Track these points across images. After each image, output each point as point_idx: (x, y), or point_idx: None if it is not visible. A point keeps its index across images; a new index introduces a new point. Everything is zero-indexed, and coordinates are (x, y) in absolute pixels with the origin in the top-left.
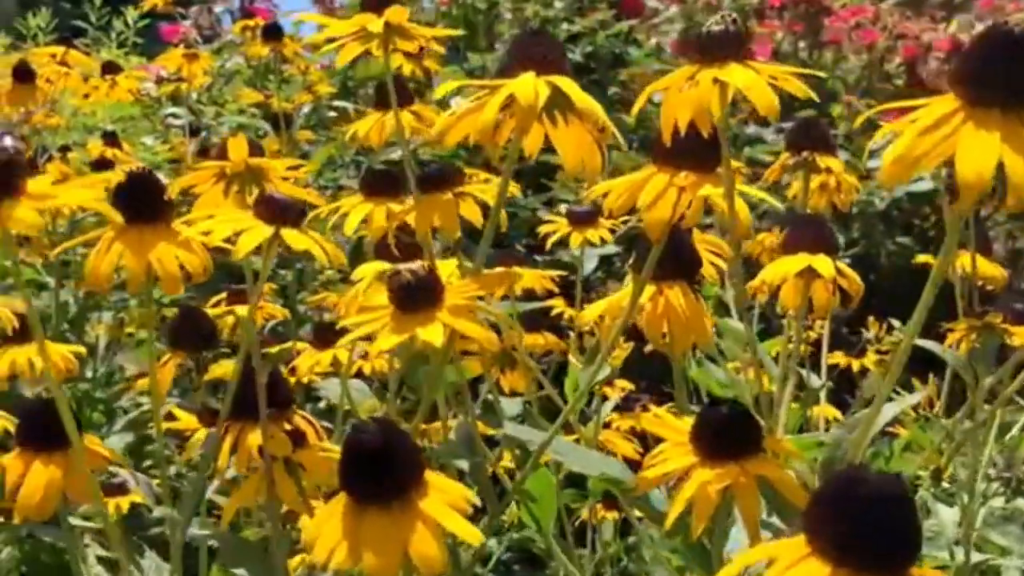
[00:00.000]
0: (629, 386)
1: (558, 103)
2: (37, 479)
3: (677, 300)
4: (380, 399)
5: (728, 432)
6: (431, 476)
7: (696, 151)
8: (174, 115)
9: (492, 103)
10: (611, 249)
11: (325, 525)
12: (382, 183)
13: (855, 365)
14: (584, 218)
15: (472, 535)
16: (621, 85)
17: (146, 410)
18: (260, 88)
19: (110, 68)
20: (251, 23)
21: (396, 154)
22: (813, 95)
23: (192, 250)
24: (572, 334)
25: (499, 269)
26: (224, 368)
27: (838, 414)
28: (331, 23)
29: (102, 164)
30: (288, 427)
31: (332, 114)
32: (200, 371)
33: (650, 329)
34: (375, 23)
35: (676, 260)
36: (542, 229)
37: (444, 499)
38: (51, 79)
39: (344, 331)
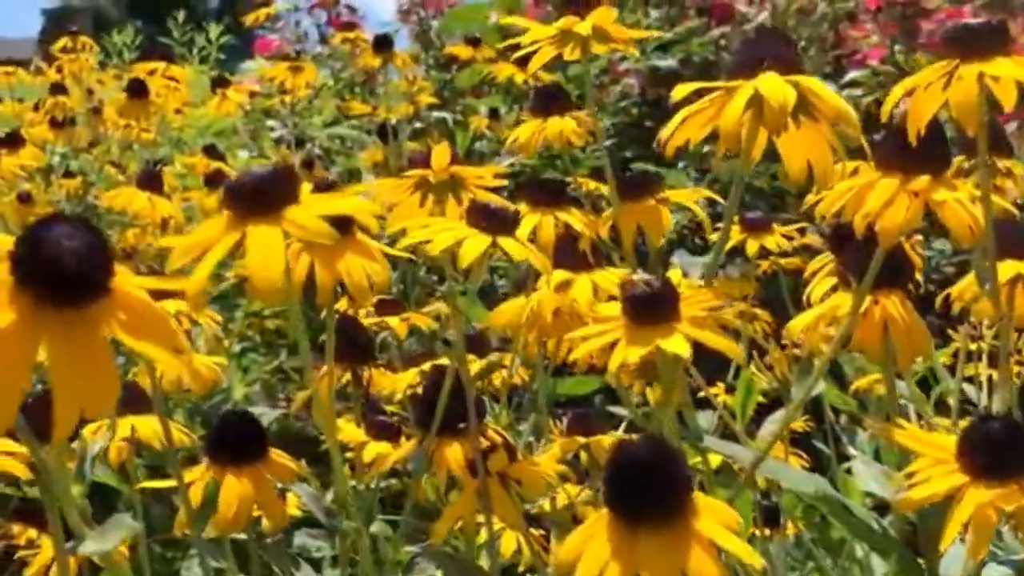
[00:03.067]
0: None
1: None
2: (231, 493)
3: (896, 310)
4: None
5: (1004, 449)
6: (697, 495)
7: (928, 154)
8: (270, 128)
9: (736, 103)
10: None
11: (588, 545)
12: (548, 193)
13: (994, 376)
14: (758, 225)
15: (752, 557)
16: None
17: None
18: (347, 100)
19: (220, 82)
20: (351, 35)
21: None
22: None
23: (376, 260)
24: None
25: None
26: (390, 379)
27: None
28: (534, 26)
29: (214, 178)
30: (486, 442)
31: (419, 125)
32: (357, 383)
33: (866, 340)
34: (583, 25)
35: (892, 267)
36: (711, 236)
37: (715, 519)
38: (160, 93)
39: (485, 344)
